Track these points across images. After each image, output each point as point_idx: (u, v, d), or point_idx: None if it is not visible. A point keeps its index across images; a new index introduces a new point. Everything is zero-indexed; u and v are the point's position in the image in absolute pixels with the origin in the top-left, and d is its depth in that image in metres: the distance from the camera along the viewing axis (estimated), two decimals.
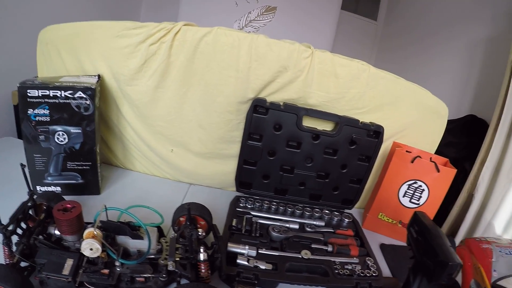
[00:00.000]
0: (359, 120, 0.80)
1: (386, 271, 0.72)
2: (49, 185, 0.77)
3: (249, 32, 2.32)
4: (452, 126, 1.27)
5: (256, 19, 2.18)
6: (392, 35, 2.53)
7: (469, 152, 1.22)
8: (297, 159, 0.79)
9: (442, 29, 1.86)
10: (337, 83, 0.78)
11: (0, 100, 1.41)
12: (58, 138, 0.75)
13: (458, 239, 1.04)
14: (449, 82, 1.67)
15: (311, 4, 2.18)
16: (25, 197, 0.56)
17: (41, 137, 0.75)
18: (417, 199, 0.83)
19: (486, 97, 1.38)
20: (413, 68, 2.03)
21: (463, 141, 1.33)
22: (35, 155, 0.75)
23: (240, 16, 2.19)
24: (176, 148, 0.83)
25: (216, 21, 2.20)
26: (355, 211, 0.91)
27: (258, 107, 0.74)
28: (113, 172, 0.90)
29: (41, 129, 0.74)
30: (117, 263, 0.51)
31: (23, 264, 0.50)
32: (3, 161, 0.85)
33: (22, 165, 0.56)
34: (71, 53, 0.78)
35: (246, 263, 0.60)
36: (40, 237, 0.52)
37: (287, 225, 0.75)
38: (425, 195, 0.82)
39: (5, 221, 0.49)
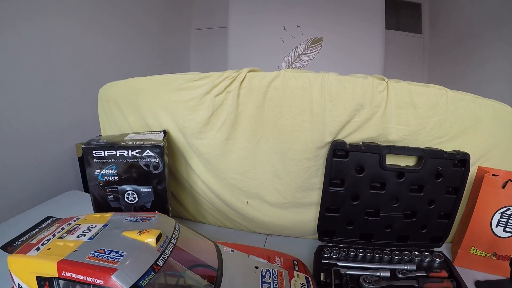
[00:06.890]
0: (444, 151, 0.72)
1: None
2: None
3: (300, 67, 2.22)
4: None
5: (304, 53, 2.12)
6: (442, 48, 2.29)
7: None
8: (382, 200, 0.72)
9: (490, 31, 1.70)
10: (416, 114, 0.71)
11: (65, 152, 1.43)
12: (128, 198, 0.72)
13: None
14: None
15: (356, 29, 2.06)
16: None
17: (110, 197, 0.72)
18: None
19: None
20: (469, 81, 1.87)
21: None
22: None
23: (287, 52, 2.16)
24: (251, 200, 0.78)
25: (265, 60, 2.18)
26: (443, 247, 0.83)
27: (337, 150, 0.68)
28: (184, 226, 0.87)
29: (110, 189, 0.71)
30: None
31: None
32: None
33: None
34: (132, 109, 0.76)
35: None
36: None
37: (378, 274, 0.68)
38: None
39: None
